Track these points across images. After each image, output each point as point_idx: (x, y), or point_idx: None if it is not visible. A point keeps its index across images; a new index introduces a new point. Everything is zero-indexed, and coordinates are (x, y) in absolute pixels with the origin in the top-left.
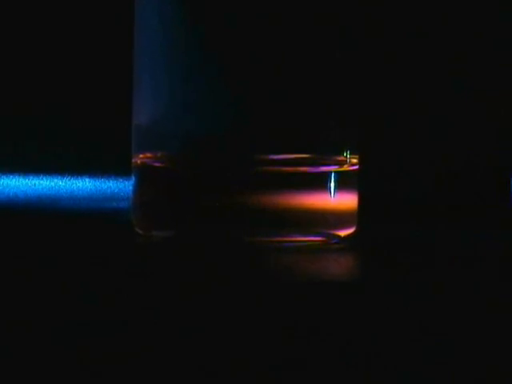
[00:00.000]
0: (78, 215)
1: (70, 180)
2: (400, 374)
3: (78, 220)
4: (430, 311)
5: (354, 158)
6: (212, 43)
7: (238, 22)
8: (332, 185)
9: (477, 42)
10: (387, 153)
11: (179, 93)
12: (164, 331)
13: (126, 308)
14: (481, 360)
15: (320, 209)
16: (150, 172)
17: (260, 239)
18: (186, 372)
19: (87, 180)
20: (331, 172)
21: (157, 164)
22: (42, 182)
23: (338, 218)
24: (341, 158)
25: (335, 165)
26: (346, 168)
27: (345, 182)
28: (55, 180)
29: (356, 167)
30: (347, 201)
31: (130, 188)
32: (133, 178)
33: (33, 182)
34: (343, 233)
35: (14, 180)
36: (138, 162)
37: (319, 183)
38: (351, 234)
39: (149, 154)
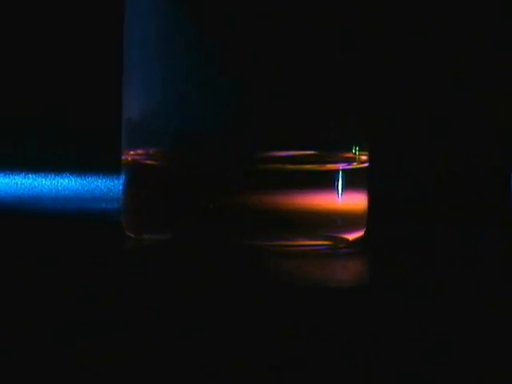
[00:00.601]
0: (63, 217)
1: (54, 179)
2: (400, 373)
3: (64, 223)
4: (430, 311)
5: (364, 155)
6: (208, 35)
7: (235, 16)
8: (339, 184)
9: (477, 41)
10: (387, 153)
11: (173, 85)
12: (164, 331)
13: (125, 308)
14: (481, 360)
15: (326, 210)
16: (141, 170)
17: (261, 243)
18: (186, 372)
19: (73, 178)
20: (339, 170)
21: (149, 161)
22: (24, 180)
23: (346, 219)
24: (349, 154)
25: (343, 162)
26: (354, 166)
27: (353, 181)
28: (38, 179)
29: (366, 164)
30: (356, 201)
31: (120, 187)
32: (123, 176)
33: (15, 181)
34: (351, 236)
35: None
36: (129, 159)
37: (325, 182)
38: (360, 237)
39: (140, 151)
